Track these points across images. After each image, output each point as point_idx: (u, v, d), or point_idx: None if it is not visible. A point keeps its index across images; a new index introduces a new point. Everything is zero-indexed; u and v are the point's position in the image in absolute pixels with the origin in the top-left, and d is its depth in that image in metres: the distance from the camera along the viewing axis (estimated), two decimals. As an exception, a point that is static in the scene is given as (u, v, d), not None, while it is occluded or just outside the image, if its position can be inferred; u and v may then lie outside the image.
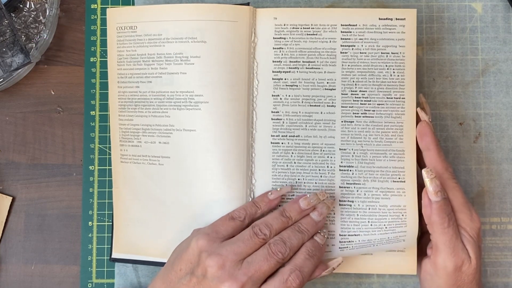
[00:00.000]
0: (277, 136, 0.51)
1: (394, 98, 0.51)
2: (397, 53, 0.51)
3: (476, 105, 0.58)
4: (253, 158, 0.51)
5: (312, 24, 0.51)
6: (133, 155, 0.53)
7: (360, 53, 0.51)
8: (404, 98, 0.51)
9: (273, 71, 0.51)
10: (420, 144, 0.50)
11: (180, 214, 0.52)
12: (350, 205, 0.50)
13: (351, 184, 0.50)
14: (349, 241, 0.50)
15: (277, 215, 0.48)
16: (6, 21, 0.55)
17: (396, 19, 0.51)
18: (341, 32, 0.51)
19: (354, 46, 0.51)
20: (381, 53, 0.51)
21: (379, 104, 0.51)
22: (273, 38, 0.52)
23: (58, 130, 0.59)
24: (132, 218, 0.54)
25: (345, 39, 0.51)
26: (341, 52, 0.51)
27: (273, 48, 0.52)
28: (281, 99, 0.51)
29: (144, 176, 0.53)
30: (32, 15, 0.59)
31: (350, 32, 0.51)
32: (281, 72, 0.51)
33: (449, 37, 0.58)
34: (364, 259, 0.52)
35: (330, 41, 0.51)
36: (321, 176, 0.51)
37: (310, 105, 0.51)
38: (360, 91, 0.51)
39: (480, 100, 0.58)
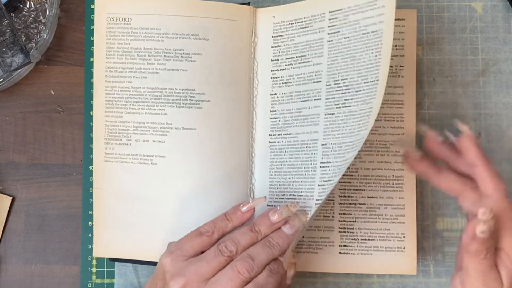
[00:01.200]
0: (273, 135, 0.51)
1: (370, 81, 0.46)
2: (376, 31, 0.46)
3: (476, 105, 0.58)
4: (253, 158, 0.51)
5: (304, 17, 0.50)
6: (120, 154, 0.51)
7: (344, 38, 0.48)
8: (377, 80, 0.45)
9: (271, 70, 0.51)
10: (465, 159, 0.45)
11: (173, 214, 0.51)
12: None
13: (326, 181, 0.47)
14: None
15: (246, 230, 0.45)
16: (6, 21, 0.55)
17: None
18: (329, 19, 0.49)
19: (339, 32, 0.48)
20: (362, 34, 0.47)
21: (356, 91, 0.47)
22: (272, 36, 0.51)
23: (58, 130, 0.59)
24: (114, 220, 0.52)
25: (332, 26, 0.49)
26: (328, 41, 0.49)
27: (272, 47, 0.51)
28: (277, 97, 0.51)
29: (131, 176, 0.51)
30: (32, 15, 0.58)
31: (336, 17, 0.48)
32: (278, 70, 0.51)
33: (449, 37, 0.58)
34: (363, 259, 0.52)
35: (319, 31, 0.49)
36: (305, 174, 0.49)
37: (301, 101, 0.50)
38: (342, 79, 0.48)
39: (480, 100, 0.58)
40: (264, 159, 0.51)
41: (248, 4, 0.53)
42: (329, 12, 0.49)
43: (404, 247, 0.51)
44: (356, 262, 0.52)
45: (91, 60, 0.59)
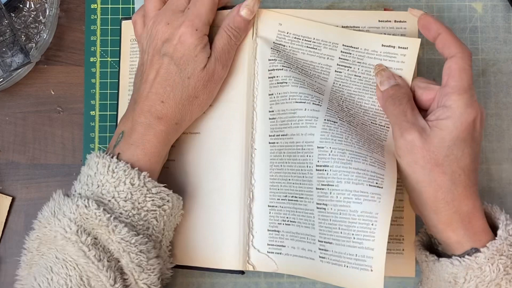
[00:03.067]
0: (273, 136, 0.50)
1: (379, 125, 0.49)
2: None
3: (476, 105, 0.58)
4: (253, 158, 0.51)
5: (314, 38, 0.50)
6: None
7: (355, 75, 0.50)
8: (388, 127, 0.49)
9: (268, 70, 0.51)
10: (428, 36, 0.47)
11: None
12: (324, 209, 0.46)
13: (325, 185, 0.46)
14: (325, 250, 0.46)
15: None
16: (6, 21, 0.55)
17: (399, 47, 0.49)
18: (341, 52, 0.50)
19: (351, 67, 0.50)
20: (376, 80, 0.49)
21: (363, 123, 0.49)
22: (273, 42, 0.51)
23: (58, 130, 0.59)
24: None
25: (343, 59, 0.50)
26: (335, 71, 0.50)
27: (271, 48, 0.51)
28: (274, 97, 0.50)
29: None
30: (32, 15, 0.58)
31: (350, 53, 0.50)
32: (274, 70, 0.51)
33: (449, 37, 0.58)
34: None
35: (328, 58, 0.50)
36: (302, 176, 0.48)
37: (296, 102, 0.49)
38: (346, 107, 0.49)
39: (480, 100, 0.58)
40: (265, 159, 0.51)
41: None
42: (343, 45, 0.50)
43: (403, 250, 0.51)
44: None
45: (91, 60, 0.59)
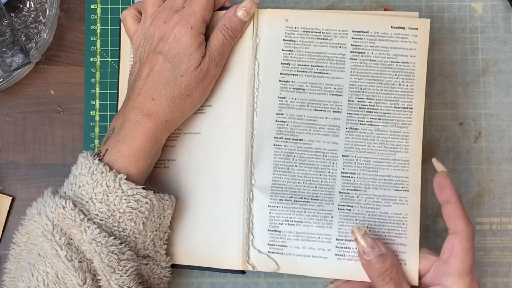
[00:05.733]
0: (280, 138, 0.51)
1: (402, 107, 0.50)
2: (407, 62, 0.50)
3: (476, 105, 0.58)
4: (253, 158, 0.51)
5: (323, 29, 0.50)
6: None
7: (370, 60, 0.50)
8: (411, 108, 0.50)
9: (280, 73, 0.51)
10: (439, 196, 0.48)
11: (180, 214, 0.52)
12: (349, 210, 0.49)
13: (351, 190, 0.49)
14: (346, 247, 0.49)
15: None
16: (6, 21, 0.55)
17: (409, 28, 0.50)
18: (352, 38, 0.50)
19: (364, 53, 0.50)
20: (391, 61, 0.50)
21: (385, 113, 0.50)
22: (283, 40, 0.51)
23: (58, 130, 0.59)
24: None
25: (356, 45, 0.50)
26: (350, 58, 0.50)
27: (283, 50, 0.51)
28: (287, 101, 0.50)
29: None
30: (32, 15, 0.58)
31: (361, 39, 0.50)
32: (288, 74, 0.51)
33: (449, 37, 0.58)
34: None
35: (340, 47, 0.50)
36: (321, 181, 0.50)
37: (316, 110, 0.50)
38: (367, 98, 0.50)
39: (480, 100, 0.58)
40: (268, 160, 0.51)
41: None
42: (353, 31, 0.50)
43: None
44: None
45: (91, 60, 0.59)
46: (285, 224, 0.50)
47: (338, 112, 0.50)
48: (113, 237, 0.45)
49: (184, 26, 0.48)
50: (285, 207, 0.50)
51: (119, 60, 0.55)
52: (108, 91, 0.59)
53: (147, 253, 0.48)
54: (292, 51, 0.51)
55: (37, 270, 0.44)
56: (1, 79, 0.56)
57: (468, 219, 0.46)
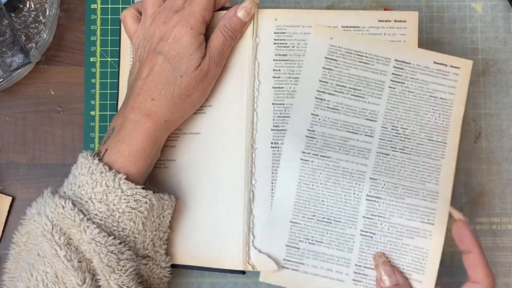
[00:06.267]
0: (308, 153, 0.50)
1: (436, 141, 0.49)
2: (445, 99, 0.50)
3: (476, 105, 0.58)
4: (254, 158, 0.51)
5: (366, 53, 0.50)
6: None
7: (409, 91, 0.50)
8: (446, 142, 0.49)
9: (317, 90, 0.50)
10: (459, 245, 0.47)
11: (180, 214, 0.52)
12: (372, 237, 0.49)
13: (375, 216, 0.49)
14: (365, 274, 0.49)
15: None
16: (6, 21, 0.55)
17: (451, 66, 0.50)
18: (394, 67, 0.50)
19: (404, 83, 0.50)
20: (430, 96, 0.50)
21: (418, 144, 0.49)
22: (325, 58, 0.50)
23: (58, 130, 0.59)
24: None
25: (397, 74, 0.50)
26: (389, 87, 0.50)
27: (323, 67, 0.50)
28: (319, 119, 0.50)
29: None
30: (32, 15, 0.58)
31: (403, 69, 0.50)
32: (325, 93, 0.50)
33: (449, 37, 0.58)
34: None
35: (381, 73, 0.50)
36: (345, 202, 0.49)
37: (348, 131, 0.50)
38: (401, 127, 0.50)
39: (480, 100, 0.58)
40: (291, 174, 0.50)
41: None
42: (395, 60, 0.50)
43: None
44: None
45: (91, 60, 0.59)
46: (305, 242, 0.49)
47: (370, 136, 0.50)
48: (112, 237, 0.45)
49: (184, 26, 0.48)
50: (307, 225, 0.49)
51: (119, 60, 0.56)
52: (108, 91, 0.59)
53: (147, 253, 0.48)
54: (332, 70, 0.50)
55: (37, 270, 0.44)
56: (1, 79, 0.56)
57: (489, 270, 0.46)
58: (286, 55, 0.52)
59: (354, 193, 0.49)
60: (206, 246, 0.51)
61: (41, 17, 0.59)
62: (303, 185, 0.50)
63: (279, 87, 0.52)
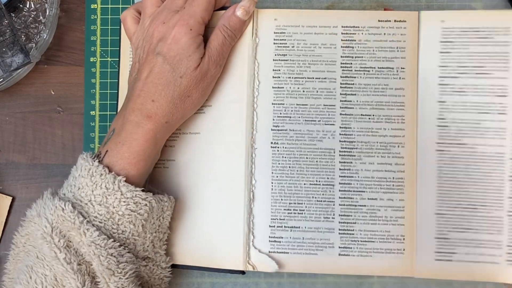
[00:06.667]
0: (442, 143, 0.50)
1: None
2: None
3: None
4: (254, 158, 0.51)
5: (483, 27, 0.50)
6: None
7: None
8: None
9: (439, 77, 0.50)
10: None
11: (180, 214, 0.52)
12: None
13: None
14: None
15: None
16: (6, 21, 0.55)
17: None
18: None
19: None
20: None
21: None
22: (440, 41, 0.50)
23: (58, 130, 0.59)
24: None
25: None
26: None
27: (440, 52, 0.50)
28: (447, 105, 0.50)
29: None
30: (32, 15, 0.58)
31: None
32: (447, 77, 0.50)
33: (449, 37, 0.58)
34: (363, 261, 0.52)
35: (503, 45, 0.49)
36: (488, 186, 0.49)
37: (479, 113, 0.49)
38: None
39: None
40: (431, 165, 0.50)
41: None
42: None
43: (404, 249, 0.51)
44: (355, 264, 0.52)
45: (91, 60, 0.59)
46: (454, 231, 0.50)
47: (504, 113, 0.49)
48: (112, 239, 0.45)
49: (184, 26, 0.48)
50: (453, 215, 0.50)
51: (119, 60, 0.56)
52: (108, 91, 0.59)
53: (147, 254, 0.48)
54: (450, 52, 0.50)
55: (36, 273, 0.44)
56: (1, 79, 0.56)
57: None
58: (286, 55, 0.52)
59: (497, 176, 0.49)
60: (206, 246, 0.51)
61: (41, 17, 0.59)
62: (443, 176, 0.50)
63: (279, 87, 0.52)
